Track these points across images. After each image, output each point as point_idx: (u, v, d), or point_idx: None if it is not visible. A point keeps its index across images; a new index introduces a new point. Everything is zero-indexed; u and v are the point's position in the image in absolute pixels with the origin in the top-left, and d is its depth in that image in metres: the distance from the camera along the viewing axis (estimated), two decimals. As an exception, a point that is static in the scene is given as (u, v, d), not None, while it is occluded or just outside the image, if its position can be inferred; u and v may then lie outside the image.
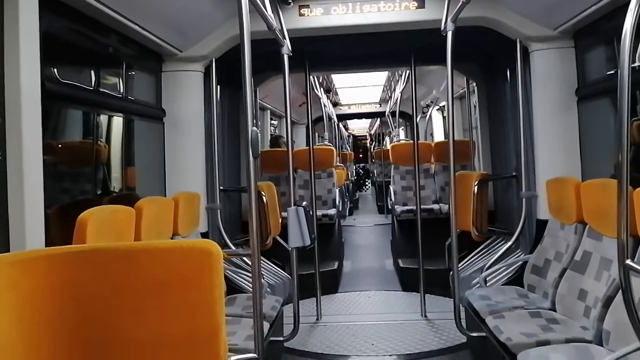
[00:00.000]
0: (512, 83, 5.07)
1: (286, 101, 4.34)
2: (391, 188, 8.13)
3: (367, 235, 10.83)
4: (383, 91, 12.45)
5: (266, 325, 3.75)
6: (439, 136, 10.85)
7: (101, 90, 3.72)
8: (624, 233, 2.08)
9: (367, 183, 22.59)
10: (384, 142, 18.03)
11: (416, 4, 4.58)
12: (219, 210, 5.03)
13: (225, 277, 4.31)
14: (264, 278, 4.93)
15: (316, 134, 14.05)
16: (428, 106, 10.82)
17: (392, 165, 8.23)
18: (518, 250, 5.00)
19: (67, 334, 2.05)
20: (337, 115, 13.85)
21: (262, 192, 4.94)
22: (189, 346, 2.09)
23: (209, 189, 5.01)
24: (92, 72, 3.63)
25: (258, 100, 8.04)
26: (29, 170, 2.48)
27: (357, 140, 27.65)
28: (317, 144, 10.25)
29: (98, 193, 3.77)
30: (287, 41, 4.18)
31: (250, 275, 4.36)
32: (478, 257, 5.67)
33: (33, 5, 2.55)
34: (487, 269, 4.72)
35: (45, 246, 2.52)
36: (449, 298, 5.24)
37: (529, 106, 4.71)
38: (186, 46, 4.65)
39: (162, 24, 4.11)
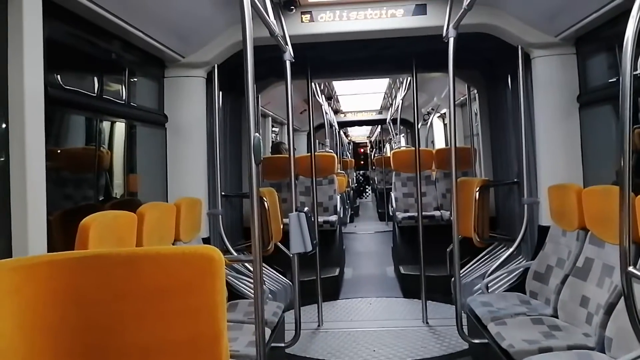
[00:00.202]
0: (514, 90, 5.08)
1: (288, 107, 4.35)
2: (392, 195, 8.12)
3: (368, 242, 10.82)
4: (384, 98, 12.46)
5: (267, 332, 3.74)
6: (439, 143, 10.86)
7: (104, 96, 3.73)
8: (626, 240, 2.08)
9: (367, 190, 22.58)
10: (384, 149, 18.03)
11: (418, 11, 4.59)
12: (220, 216, 5.03)
13: (227, 283, 4.31)
14: (265, 284, 4.93)
15: (317, 141, 14.06)
16: (429, 113, 10.83)
17: (394, 172, 8.23)
18: (520, 257, 4.99)
19: (69, 340, 2.04)
20: (338, 123, 13.87)
21: (264, 198, 4.94)
22: (190, 351, 2.08)
23: (211, 194, 5.02)
24: (95, 78, 3.64)
25: (260, 107, 8.06)
26: (32, 176, 2.48)
27: (357, 148, 27.62)
28: (318, 150, 10.25)
29: (100, 199, 3.78)
30: (289, 47, 4.20)
31: (251, 281, 4.37)
32: (480, 263, 5.66)
33: (37, 12, 2.56)
34: (489, 275, 4.72)
35: (48, 252, 2.53)
36: (451, 305, 5.23)
37: (530, 113, 4.72)
38: (189, 52, 4.66)
39: (164, 30, 4.12)
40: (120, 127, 4.06)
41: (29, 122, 2.47)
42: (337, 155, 10.22)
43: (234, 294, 4.64)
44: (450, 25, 3.90)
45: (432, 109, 10.49)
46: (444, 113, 10.18)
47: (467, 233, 4.99)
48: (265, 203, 4.95)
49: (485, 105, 6.39)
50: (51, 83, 2.94)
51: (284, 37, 4.20)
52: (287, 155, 4.77)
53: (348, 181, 13.73)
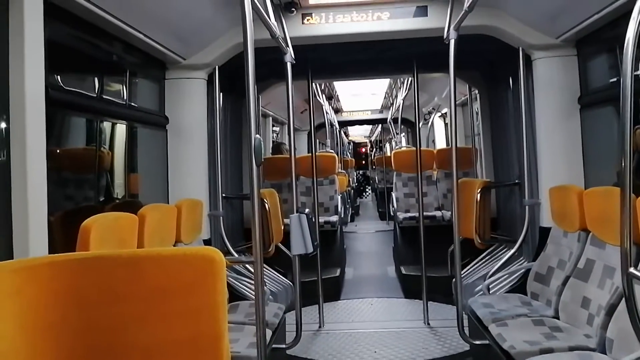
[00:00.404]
0: (515, 91, 5.08)
1: (289, 109, 4.35)
2: (393, 195, 8.13)
3: (368, 242, 10.82)
4: (385, 98, 12.47)
5: (268, 333, 3.74)
6: (440, 143, 10.86)
7: (105, 97, 3.73)
8: (627, 241, 2.08)
9: (367, 189, 22.57)
10: (385, 149, 18.03)
11: (419, 13, 4.59)
12: (221, 218, 5.04)
13: (228, 285, 4.31)
14: (266, 285, 4.93)
15: (317, 140, 14.06)
16: (430, 113, 10.83)
17: (395, 172, 8.23)
18: (521, 258, 4.99)
19: (70, 341, 2.05)
20: (339, 122, 13.88)
21: (265, 200, 4.94)
22: (191, 352, 2.08)
23: (212, 196, 5.02)
24: (96, 80, 3.65)
25: (260, 107, 8.06)
26: (33, 177, 2.49)
27: (357, 147, 27.58)
28: (319, 151, 10.25)
29: (101, 200, 3.78)
30: (290, 49, 4.20)
31: (252, 282, 4.38)
32: (481, 264, 5.66)
33: (38, 13, 2.56)
34: (490, 276, 4.71)
35: (49, 253, 2.53)
36: (452, 305, 5.23)
37: (531, 114, 4.72)
38: (189, 54, 4.67)
39: (165, 32, 4.13)
40: (121, 128, 4.06)
41: (29, 124, 2.47)
42: (337, 154, 10.22)
43: (234, 295, 4.64)
44: (451, 27, 3.90)
45: (433, 109, 10.48)
46: (445, 112, 10.17)
47: (468, 234, 4.99)
48: (266, 204, 4.95)
49: (486, 106, 6.39)
50: (52, 84, 2.94)
51: (284, 38, 4.20)
52: (288, 156, 4.77)
53: (349, 180, 13.73)
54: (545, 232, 4.39)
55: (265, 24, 3.34)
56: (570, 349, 3.12)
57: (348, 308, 6.15)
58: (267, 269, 5.62)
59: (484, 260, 5.69)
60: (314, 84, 6.19)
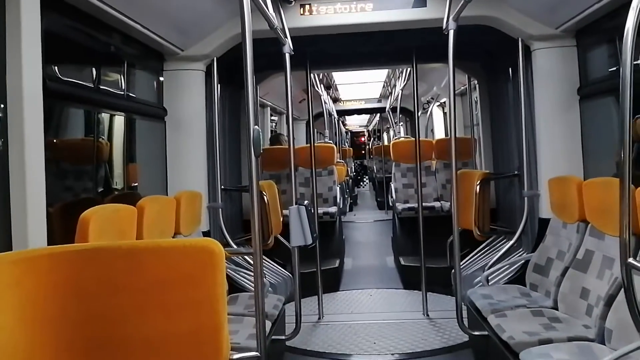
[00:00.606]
0: (514, 81, 5.06)
1: (288, 100, 4.34)
2: (392, 185, 8.12)
3: (367, 232, 10.83)
4: (383, 87, 12.44)
5: (268, 324, 3.75)
6: (439, 132, 10.84)
7: (103, 89, 3.72)
8: (626, 232, 2.08)
9: (364, 179, 22.53)
10: (382, 138, 18.00)
11: (418, 3, 4.57)
12: (220, 209, 5.03)
13: (227, 276, 4.31)
14: (265, 277, 4.93)
15: (315, 130, 14.05)
16: (429, 102, 10.81)
17: (393, 163, 8.22)
18: (520, 249, 5.00)
19: (69, 332, 2.05)
20: (337, 111, 13.86)
21: (264, 192, 4.93)
22: (191, 344, 2.09)
23: (211, 187, 5.02)
24: (94, 71, 3.64)
25: (258, 98, 8.04)
26: (31, 169, 2.48)
27: (355, 137, 27.48)
28: (318, 141, 10.24)
29: (100, 192, 3.78)
30: (289, 40, 4.18)
31: (251, 274, 4.37)
32: (480, 255, 5.67)
33: (35, 4, 2.55)
34: (489, 267, 4.73)
35: (48, 245, 2.53)
36: (451, 296, 5.24)
37: (530, 105, 4.71)
38: (188, 45, 4.65)
39: (163, 23, 4.11)
40: (119, 120, 4.05)
41: (27, 115, 2.46)
42: (336, 144, 10.20)
43: (234, 287, 4.65)
44: (450, 18, 3.88)
45: (432, 98, 10.47)
46: (444, 102, 10.16)
47: (467, 225, 4.99)
48: (265, 196, 4.95)
49: (485, 97, 6.38)
50: (50, 76, 2.93)
51: (283, 30, 4.18)
52: (286, 147, 4.76)
53: (347, 170, 13.74)
54: (544, 223, 4.39)
55: (263, 15, 3.32)
56: (569, 339, 3.13)
57: (347, 299, 6.16)
58: (266, 260, 5.62)
59: (483, 251, 5.70)
60: (312, 74, 6.17)
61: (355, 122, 24.93)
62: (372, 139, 22.67)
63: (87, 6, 3.19)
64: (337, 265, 6.85)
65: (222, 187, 5.12)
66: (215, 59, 4.85)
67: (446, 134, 10.15)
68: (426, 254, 5.59)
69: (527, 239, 4.87)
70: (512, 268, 4.73)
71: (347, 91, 13.12)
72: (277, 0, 4.39)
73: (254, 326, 2.57)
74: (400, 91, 9.45)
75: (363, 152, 24.07)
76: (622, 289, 2.34)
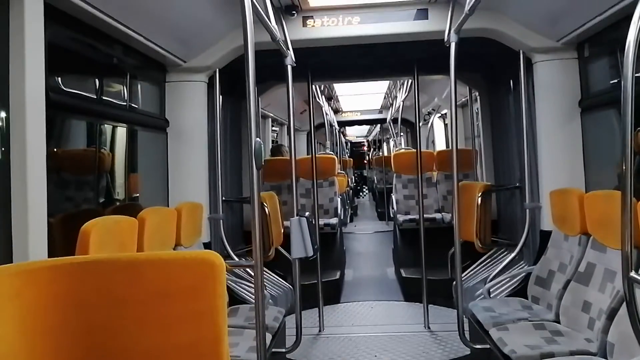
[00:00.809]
0: (515, 94, 5.07)
1: (289, 111, 4.35)
2: (393, 197, 8.11)
3: (367, 243, 10.82)
4: (384, 98, 12.47)
5: (268, 337, 3.73)
6: (440, 144, 10.86)
7: (105, 100, 3.73)
8: (628, 245, 2.07)
9: (364, 190, 22.50)
10: (382, 149, 18.01)
11: (420, 16, 4.59)
12: (221, 221, 5.03)
13: (228, 288, 4.30)
14: (266, 289, 4.92)
15: (315, 140, 14.05)
16: (430, 114, 10.83)
17: (394, 174, 8.22)
18: (522, 262, 4.98)
19: (70, 344, 2.04)
20: (338, 122, 13.88)
21: (265, 203, 4.93)
22: (191, 356, 2.08)
23: (212, 199, 5.01)
24: (96, 83, 3.65)
25: (260, 109, 8.06)
26: (33, 180, 2.48)
27: (354, 147, 27.46)
28: (319, 152, 10.24)
29: (101, 203, 3.78)
30: (291, 52, 4.20)
31: (252, 286, 4.37)
32: (481, 267, 5.65)
33: (38, 16, 2.56)
34: (491, 280, 4.71)
35: (48, 256, 2.52)
36: (452, 309, 5.22)
37: (532, 117, 4.71)
38: (190, 57, 4.67)
39: (166, 35, 4.12)
40: (121, 131, 4.06)
41: (30, 126, 2.47)
42: (337, 155, 10.22)
43: (234, 299, 4.63)
44: (452, 30, 3.90)
45: (433, 109, 10.49)
46: (445, 113, 10.18)
47: (469, 237, 4.98)
48: (266, 208, 4.94)
49: (486, 108, 6.39)
50: (52, 87, 2.94)
51: (285, 41, 4.20)
52: (287, 158, 4.76)
53: (347, 181, 13.75)
54: (546, 235, 4.38)
55: (265, 27, 3.33)
56: (571, 353, 3.11)
57: (348, 311, 6.14)
58: (267, 272, 5.60)
59: (484, 263, 5.68)
60: (314, 85, 6.19)
61: (355, 133, 24.93)
62: (372, 149, 22.66)
63: (90, 18, 3.20)
64: (337, 277, 6.83)
65: (223, 198, 5.12)
66: (217, 70, 4.86)
67: (447, 146, 10.16)
68: (427, 265, 5.57)
69: (529, 252, 4.85)
70: (514, 280, 4.70)
71: (349, 102, 13.14)
72: (279, 12, 4.41)
73: (254, 338, 2.56)
74: (402, 102, 9.47)
75: (365, 161, 24.08)
76: (624, 303, 2.33)
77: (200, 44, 4.59)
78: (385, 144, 18.01)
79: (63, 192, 3.33)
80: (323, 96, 9.93)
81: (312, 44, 4.77)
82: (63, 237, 3.01)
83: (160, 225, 3.65)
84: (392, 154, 9.69)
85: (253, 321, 2.90)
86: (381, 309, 6.20)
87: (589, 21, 3.81)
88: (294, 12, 4.57)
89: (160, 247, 3.59)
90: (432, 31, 4.56)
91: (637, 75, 2.02)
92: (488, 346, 3.69)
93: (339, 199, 7.90)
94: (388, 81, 10.15)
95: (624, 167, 2.02)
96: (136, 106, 4.23)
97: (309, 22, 4.68)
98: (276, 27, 3.69)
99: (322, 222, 7.00)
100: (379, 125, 17.61)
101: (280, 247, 5.34)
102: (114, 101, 3.90)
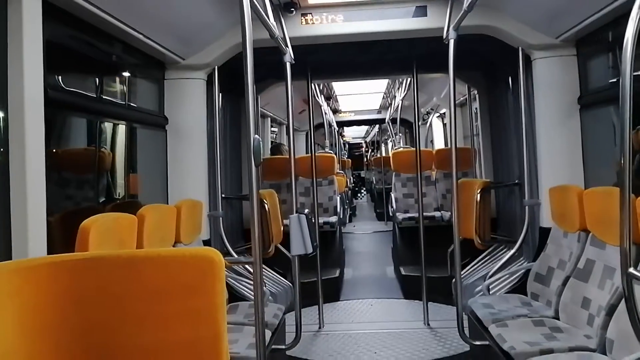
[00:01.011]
0: (514, 91, 5.08)
1: (288, 109, 4.35)
2: (392, 195, 8.12)
3: (367, 243, 10.83)
4: (383, 98, 12.47)
5: (268, 334, 3.73)
6: (439, 143, 10.87)
7: (104, 98, 3.73)
8: (626, 241, 2.07)
9: (362, 190, 22.48)
10: (381, 150, 18.00)
11: (418, 13, 4.59)
12: (221, 218, 5.03)
13: (227, 285, 4.31)
14: (265, 286, 4.92)
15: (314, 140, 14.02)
16: (428, 113, 10.84)
17: (394, 173, 8.22)
18: (521, 258, 4.99)
19: (69, 341, 2.04)
20: (337, 122, 13.88)
21: (264, 200, 4.93)
22: (191, 353, 2.08)
23: (211, 196, 5.01)
24: (95, 80, 3.64)
25: (259, 108, 8.06)
26: (32, 178, 2.48)
27: (352, 148, 27.44)
28: (318, 151, 10.24)
29: (100, 200, 3.78)
30: (290, 49, 4.19)
31: (252, 283, 4.37)
32: (481, 264, 5.65)
33: (37, 13, 2.56)
34: (490, 276, 4.71)
35: (48, 254, 2.52)
36: (452, 306, 5.23)
37: (531, 114, 4.71)
38: (189, 54, 4.66)
39: (165, 33, 4.12)
40: (120, 129, 4.06)
41: (28, 124, 2.47)
42: (336, 155, 10.22)
43: (234, 296, 4.63)
44: (451, 27, 3.90)
45: (432, 109, 10.50)
46: (444, 113, 10.18)
47: (468, 234, 4.98)
48: (266, 205, 4.94)
49: (485, 106, 6.39)
50: (51, 85, 2.94)
51: (284, 39, 4.20)
52: (287, 157, 4.76)
53: (347, 181, 13.76)
54: (545, 232, 4.38)
55: (264, 24, 3.33)
56: (571, 349, 3.12)
57: (348, 309, 6.15)
58: (266, 269, 5.61)
59: (483, 260, 5.68)
60: (313, 84, 6.19)
61: (353, 134, 24.90)
62: (370, 150, 22.63)
63: (88, 16, 3.20)
64: (337, 274, 6.84)
65: (223, 195, 5.12)
66: (216, 67, 4.86)
67: (446, 145, 10.17)
68: (427, 263, 5.58)
69: (528, 248, 4.86)
70: (513, 277, 4.71)
71: (347, 102, 13.14)
72: (278, 10, 4.41)
73: (254, 335, 2.56)
74: (400, 102, 9.47)
75: (365, 161, 24.05)
76: (623, 299, 2.33)
77: (199, 42, 4.59)
78: (383, 145, 18.01)
79: (62, 189, 3.33)
80: (322, 95, 9.93)
81: (311, 41, 4.77)
82: (62, 234, 3.01)
83: (159, 223, 3.65)
84: (391, 153, 9.69)
85: (252, 318, 2.90)
86: (381, 306, 6.21)
87: (587, 18, 3.81)
88: (293, 9, 4.56)
89: (160, 244, 3.59)
90: (430, 28, 4.56)
91: (635, 73, 2.02)
92: (487, 343, 3.69)
93: (338, 198, 7.90)
94: (386, 81, 10.15)
95: (622, 164, 2.02)
96: (135, 104, 4.23)
97: (308, 19, 4.68)
98: (275, 24, 3.69)
99: (321, 220, 7.00)
100: (377, 127, 17.59)
101: (280, 245, 5.34)
102: (113, 99, 3.90)
